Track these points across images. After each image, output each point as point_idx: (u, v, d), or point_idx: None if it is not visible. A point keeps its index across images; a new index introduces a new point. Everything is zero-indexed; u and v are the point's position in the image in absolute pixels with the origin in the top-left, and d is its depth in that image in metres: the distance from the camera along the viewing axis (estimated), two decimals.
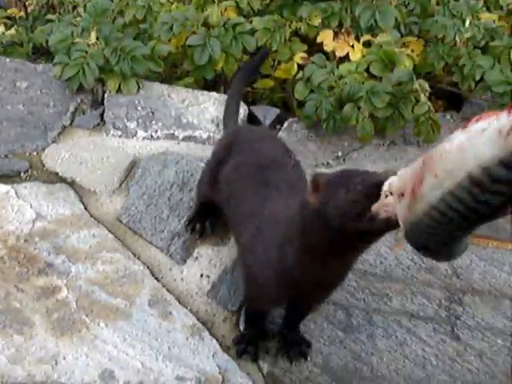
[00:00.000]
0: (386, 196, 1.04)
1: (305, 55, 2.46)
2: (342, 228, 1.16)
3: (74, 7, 3.00)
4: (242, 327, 1.63)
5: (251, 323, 1.61)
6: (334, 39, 2.42)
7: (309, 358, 1.59)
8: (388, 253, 1.89)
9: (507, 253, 1.99)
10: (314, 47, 2.56)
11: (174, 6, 2.57)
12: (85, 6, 2.55)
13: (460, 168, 0.80)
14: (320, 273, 1.31)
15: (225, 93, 2.73)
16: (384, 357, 1.62)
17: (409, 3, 2.73)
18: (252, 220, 1.49)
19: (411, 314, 1.73)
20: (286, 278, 1.36)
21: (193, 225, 1.83)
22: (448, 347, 1.67)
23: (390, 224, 1.05)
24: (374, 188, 1.07)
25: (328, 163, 2.19)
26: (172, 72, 2.68)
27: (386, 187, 1.04)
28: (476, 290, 1.84)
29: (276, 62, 2.62)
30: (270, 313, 1.64)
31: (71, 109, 2.28)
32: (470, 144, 0.79)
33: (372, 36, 2.46)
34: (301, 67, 2.43)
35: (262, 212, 1.48)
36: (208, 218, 1.84)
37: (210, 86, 2.77)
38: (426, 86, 2.30)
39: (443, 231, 0.90)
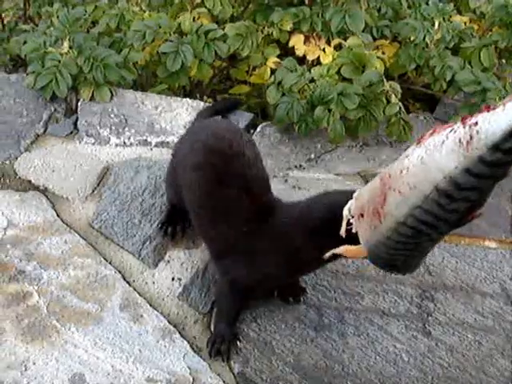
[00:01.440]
0: (348, 220, 1.06)
1: (277, 60, 2.48)
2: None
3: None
4: (213, 328, 1.64)
5: (225, 319, 1.63)
6: (305, 43, 2.45)
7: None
8: None
9: (478, 249, 2.01)
10: (288, 52, 2.60)
11: (146, 14, 2.58)
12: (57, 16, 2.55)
13: (425, 182, 0.82)
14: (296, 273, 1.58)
15: (200, 99, 2.76)
16: (355, 354, 1.64)
17: (381, 7, 2.77)
18: (225, 225, 1.54)
19: (383, 312, 1.75)
20: (267, 278, 1.55)
21: (165, 228, 1.84)
22: (419, 343, 1.69)
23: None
24: None
25: (301, 165, 2.20)
26: (152, 80, 2.70)
27: (346, 211, 1.06)
28: (448, 286, 1.86)
29: (251, 68, 2.65)
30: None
31: (45, 117, 2.29)
32: (432, 158, 0.81)
33: (343, 40, 2.49)
34: (274, 72, 2.45)
35: (235, 216, 1.52)
36: (179, 222, 1.85)
37: (187, 92, 2.79)
38: (398, 87, 2.33)
39: (412, 245, 0.92)
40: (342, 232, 1.11)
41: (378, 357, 1.64)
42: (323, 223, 1.29)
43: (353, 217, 1.04)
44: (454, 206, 0.81)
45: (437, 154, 0.79)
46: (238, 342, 1.60)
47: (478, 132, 0.74)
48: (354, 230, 1.05)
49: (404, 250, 0.92)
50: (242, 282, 1.55)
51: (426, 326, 1.74)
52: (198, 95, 2.77)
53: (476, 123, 0.74)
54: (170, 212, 1.87)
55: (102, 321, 1.59)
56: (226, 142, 1.57)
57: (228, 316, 1.63)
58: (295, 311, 1.70)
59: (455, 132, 0.77)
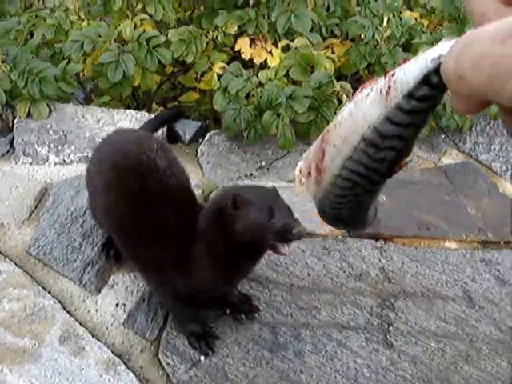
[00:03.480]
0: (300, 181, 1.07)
1: (224, 65, 2.39)
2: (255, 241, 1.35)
3: None
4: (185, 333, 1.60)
5: (188, 320, 1.60)
6: (251, 46, 2.36)
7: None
8: (316, 263, 1.83)
9: (439, 251, 1.95)
10: (235, 56, 2.51)
11: (85, 23, 2.46)
12: None
13: (353, 133, 0.83)
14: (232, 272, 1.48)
15: (149, 108, 2.66)
16: (314, 374, 1.55)
17: (329, 5, 2.70)
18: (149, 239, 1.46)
19: (341, 326, 1.67)
20: (202, 285, 1.47)
21: (107, 250, 1.73)
22: (381, 356, 1.61)
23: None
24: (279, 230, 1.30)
25: (251, 174, 2.12)
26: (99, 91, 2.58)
27: (297, 171, 1.06)
28: (408, 292, 1.79)
29: (199, 74, 2.55)
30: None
31: None
32: (358, 109, 0.83)
33: (291, 41, 2.41)
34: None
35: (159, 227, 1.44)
36: None
37: (137, 102, 2.68)
38: (348, 86, 2.25)
39: (351, 197, 0.92)
40: (297, 192, 1.10)
41: (337, 374, 1.55)
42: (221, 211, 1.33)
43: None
44: (381, 154, 0.82)
45: (362, 105, 0.81)
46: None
47: (395, 82, 0.75)
48: (304, 190, 1.07)
49: (345, 202, 0.93)
50: (180, 294, 1.51)
51: (388, 337, 1.66)
52: (146, 104, 2.67)
53: (393, 74, 0.74)
54: (109, 239, 1.76)
55: (39, 357, 1.48)
56: (133, 157, 1.47)
57: (185, 318, 1.61)
58: (248, 331, 1.61)
59: (378, 84, 0.78)
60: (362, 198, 0.95)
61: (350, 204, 0.95)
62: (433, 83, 0.72)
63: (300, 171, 1.06)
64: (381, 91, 0.78)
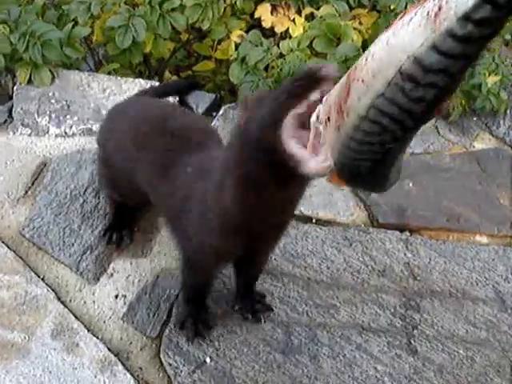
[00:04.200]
0: (317, 129, 0.89)
1: (242, 33, 2.21)
2: (269, 147, 0.96)
3: None
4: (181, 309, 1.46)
5: (192, 299, 1.44)
6: (272, 13, 2.17)
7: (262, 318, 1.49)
8: (335, 255, 1.67)
9: (469, 246, 1.79)
10: (255, 24, 2.32)
11: None
12: None
13: (389, 65, 0.73)
14: (266, 209, 1.12)
15: (160, 76, 2.49)
16: (330, 381, 1.40)
17: None
18: (174, 178, 1.31)
19: (362, 327, 1.52)
20: (229, 226, 1.18)
21: (109, 235, 1.59)
22: (404, 364, 1.46)
23: None
24: (292, 93, 0.91)
25: None
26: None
27: (313, 118, 0.91)
28: (435, 292, 1.64)
29: (216, 42, 2.38)
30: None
31: None
32: (397, 37, 0.72)
33: (316, 9, 2.21)
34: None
35: (183, 166, 1.30)
36: (126, 226, 1.61)
37: (149, 70, 2.52)
38: None
39: (377, 145, 0.81)
40: (310, 144, 0.91)
41: (355, 383, 1.41)
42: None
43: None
44: (419, 92, 0.72)
45: (403, 32, 0.71)
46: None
47: (447, 1, 0.65)
48: (321, 140, 0.89)
49: (368, 152, 0.83)
50: (189, 248, 1.33)
51: (412, 341, 1.51)
52: (158, 73, 2.50)
53: None
54: (114, 215, 1.62)
55: (28, 353, 1.34)
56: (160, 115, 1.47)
57: (193, 292, 1.44)
58: (259, 331, 1.46)
59: (424, 6, 0.69)
60: (389, 149, 0.83)
61: (374, 154, 0.84)
62: (499, 1, 0.60)
63: (317, 117, 0.89)
64: (428, 14, 0.67)
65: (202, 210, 1.21)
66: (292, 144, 0.93)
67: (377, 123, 0.78)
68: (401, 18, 0.74)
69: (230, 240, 1.23)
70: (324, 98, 0.90)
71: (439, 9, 0.67)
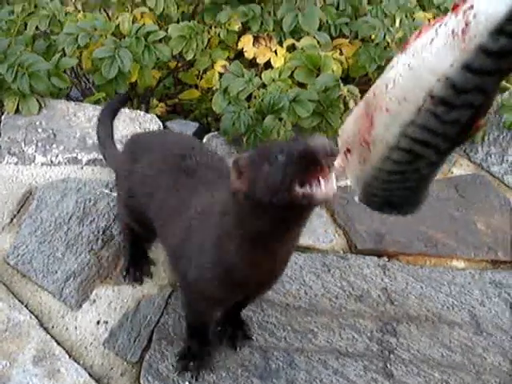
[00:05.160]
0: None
1: (225, 63, 2.27)
2: (276, 205, 1.00)
3: None
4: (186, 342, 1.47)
5: (195, 335, 1.45)
6: (254, 45, 2.23)
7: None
8: (314, 281, 1.71)
9: (445, 271, 1.83)
10: (239, 54, 2.39)
11: (80, 14, 2.34)
12: None
13: (416, 90, 0.68)
14: (265, 260, 1.17)
15: (147, 105, 2.54)
16: None
17: (339, 4, 2.57)
18: (180, 219, 1.33)
19: (339, 352, 1.55)
20: (230, 276, 1.21)
21: (133, 274, 1.64)
22: None
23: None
24: (298, 156, 0.92)
25: None
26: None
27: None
28: (412, 316, 1.67)
29: (201, 72, 2.44)
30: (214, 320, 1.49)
31: None
32: (421, 61, 0.67)
33: (297, 40, 2.28)
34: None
35: (189, 208, 1.32)
36: (143, 259, 1.67)
37: (137, 98, 2.57)
38: (356, 90, 2.13)
39: (410, 173, 0.76)
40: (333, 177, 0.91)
41: None
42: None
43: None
44: (454, 115, 0.67)
45: (427, 54, 0.67)
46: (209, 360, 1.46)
47: (475, 16, 0.60)
48: (342, 171, 0.86)
49: (400, 181, 0.78)
50: (188, 294, 1.38)
51: (388, 365, 1.54)
52: (145, 100, 2.55)
53: (471, 6, 0.59)
54: (131, 250, 1.66)
55: (9, 380, 1.36)
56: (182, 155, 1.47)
57: (195, 329, 1.46)
58: (238, 355, 1.50)
59: (446, 24, 0.64)
60: (424, 174, 0.78)
61: (407, 183, 0.80)
62: None
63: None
64: (453, 32, 0.63)
65: (202, 260, 1.24)
66: (301, 190, 0.94)
67: (409, 152, 0.73)
68: (416, 38, 0.70)
69: (229, 290, 1.27)
70: (340, 130, 0.87)
71: (466, 25, 0.62)
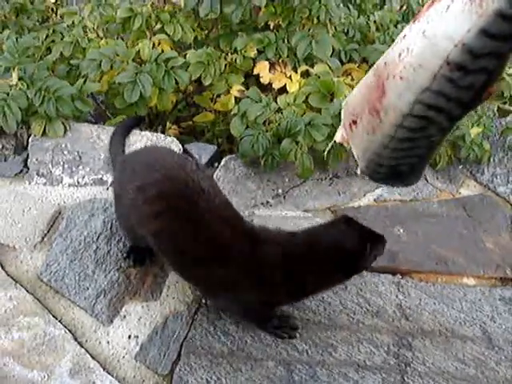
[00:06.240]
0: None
1: (242, 88, 2.37)
2: None
3: None
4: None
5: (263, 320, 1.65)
6: (270, 71, 2.33)
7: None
8: (332, 298, 1.78)
9: (457, 288, 1.90)
10: (253, 79, 2.48)
11: (103, 41, 2.44)
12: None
13: (432, 57, 0.69)
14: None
15: (163, 126, 2.63)
16: None
17: (348, 30, 2.68)
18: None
19: (358, 365, 1.62)
20: None
21: (133, 257, 1.76)
22: None
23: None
24: None
25: (268, 202, 2.08)
26: (113, 110, 2.55)
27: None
28: (426, 331, 1.75)
29: (215, 95, 2.53)
30: None
31: None
32: (437, 27, 0.68)
33: (310, 66, 2.38)
34: (239, 100, 2.33)
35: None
36: (144, 251, 1.76)
37: (150, 120, 2.65)
38: None
39: (421, 140, 0.77)
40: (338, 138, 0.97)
41: None
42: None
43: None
44: (469, 80, 0.68)
45: (442, 21, 0.67)
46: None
47: None
48: (346, 144, 0.90)
49: (410, 148, 0.79)
50: (250, 307, 1.59)
51: (405, 378, 1.61)
52: (161, 124, 2.64)
53: None
54: (133, 246, 1.77)
55: None
56: (181, 182, 1.52)
57: (260, 319, 1.65)
58: (263, 368, 1.57)
59: None
60: (433, 141, 0.79)
61: (417, 149, 0.80)
62: None
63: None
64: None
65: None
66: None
67: (423, 118, 0.74)
68: (430, 6, 0.70)
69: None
70: (343, 103, 0.89)
71: None
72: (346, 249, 1.47)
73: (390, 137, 0.78)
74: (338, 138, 0.95)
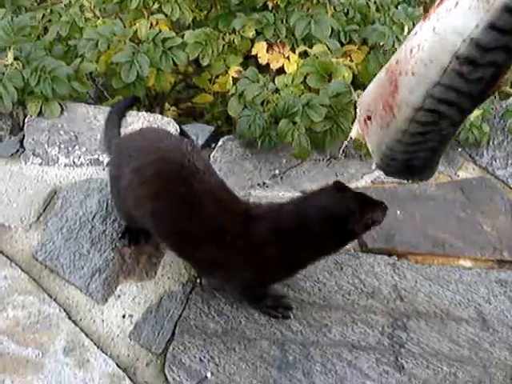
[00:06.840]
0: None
1: (240, 69, 2.35)
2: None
3: None
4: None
5: (258, 299, 1.66)
6: (268, 51, 2.31)
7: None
8: (327, 279, 1.78)
9: (453, 270, 1.90)
10: (252, 60, 2.46)
11: (100, 21, 2.42)
12: None
13: (442, 52, 0.71)
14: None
15: (161, 108, 2.62)
16: None
17: (348, 11, 2.65)
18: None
19: (352, 345, 1.62)
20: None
21: (128, 236, 1.76)
22: (391, 379, 1.56)
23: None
24: None
25: (264, 183, 2.07)
26: (112, 91, 2.54)
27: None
28: (421, 312, 1.75)
29: (214, 76, 2.51)
30: None
31: None
32: (446, 23, 0.70)
33: (309, 47, 2.36)
34: (236, 81, 2.32)
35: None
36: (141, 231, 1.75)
37: (149, 101, 2.65)
38: None
39: (433, 134, 0.80)
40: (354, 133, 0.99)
41: None
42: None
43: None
44: (479, 73, 0.71)
45: (452, 17, 0.69)
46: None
47: None
48: (361, 139, 0.91)
49: (423, 142, 0.81)
50: (246, 284, 1.58)
51: (399, 358, 1.62)
52: (159, 104, 2.63)
53: None
54: (128, 226, 1.77)
55: (42, 369, 1.44)
56: (176, 163, 1.52)
57: (256, 299, 1.66)
58: (257, 348, 1.57)
59: None
60: (445, 135, 0.82)
61: (429, 143, 0.83)
62: None
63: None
64: None
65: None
66: None
67: (434, 112, 0.76)
68: (439, 4, 0.72)
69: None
70: (359, 99, 0.91)
71: None
72: (333, 212, 1.43)
73: (403, 131, 0.81)
74: (353, 133, 0.97)
